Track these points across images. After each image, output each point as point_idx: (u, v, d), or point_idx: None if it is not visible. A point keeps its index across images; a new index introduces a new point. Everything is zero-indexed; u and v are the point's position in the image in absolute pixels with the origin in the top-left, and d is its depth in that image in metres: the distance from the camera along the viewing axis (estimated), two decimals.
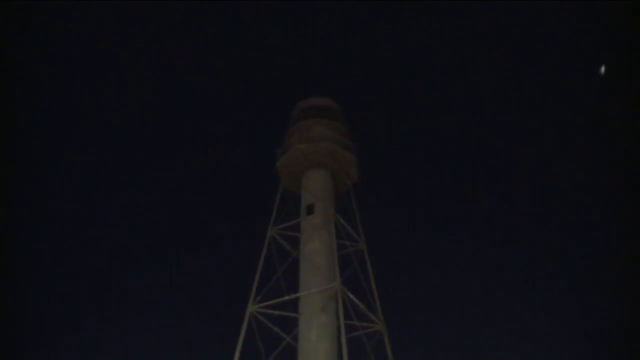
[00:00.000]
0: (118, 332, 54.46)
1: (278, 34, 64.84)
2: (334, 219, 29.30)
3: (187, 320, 54.58)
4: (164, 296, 55.53)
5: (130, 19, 57.84)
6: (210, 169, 62.41)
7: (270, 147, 32.71)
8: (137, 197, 62.20)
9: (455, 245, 54.48)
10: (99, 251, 57.29)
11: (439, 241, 54.07)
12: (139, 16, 58.82)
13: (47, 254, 50.56)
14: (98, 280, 55.64)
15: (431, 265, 51.07)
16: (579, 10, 47.01)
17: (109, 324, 54.16)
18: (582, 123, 50.39)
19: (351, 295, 26.68)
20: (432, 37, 62.64)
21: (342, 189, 32.19)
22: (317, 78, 62.29)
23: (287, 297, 27.06)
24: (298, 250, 29.24)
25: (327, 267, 27.57)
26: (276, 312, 27.12)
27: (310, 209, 29.71)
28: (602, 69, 25.55)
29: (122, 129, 62.51)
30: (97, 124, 60.21)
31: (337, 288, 26.08)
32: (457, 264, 52.09)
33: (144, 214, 60.34)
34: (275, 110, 59.38)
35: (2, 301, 30.44)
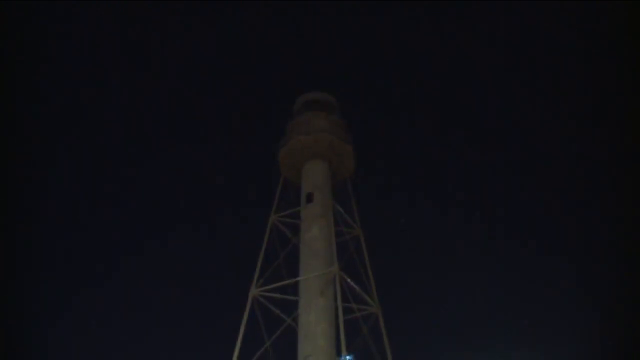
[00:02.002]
0: (122, 315, 55.78)
1: (279, 32, 65.65)
2: (332, 207, 30.51)
3: (193, 303, 55.70)
4: (172, 281, 56.65)
5: (131, 14, 58.27)
6: (213, 159, 63.34)
7: (272, 139, 33.84)
8: (146, 185, 63.21)
9: (450, 231, 55.26)
10: (102, 234, 58.38)
11: (434, 227, 54.90)
12: (141, 13, 59.29)
13: (47, 233, 51.51)
14: (100, 263, 56.69)
15: (425, 250, 51.95)
16: (579, 10, 47.60)
17: (112, 308, 55.32)
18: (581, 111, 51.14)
19: (348, 279, 27.82)
20: (428, 30, 63.27)
21: (339, 178, 33.15)
22: (316, 72, 63.08)
23: (287, 281, 28.23)
24: (298, 237, 30.28)
25: (325, 253, 28.61)
26: (277, 296, 28.22)
27: (309, 198, 30.78)
28: None
29: (127, 122, 63.29)
30: (100, 112, 60.96)
31: (335, 272, 27.21)
32: (450, 249, 52.92)
33: (150, 202, 61.34)
34: (277, 104, 60.24)
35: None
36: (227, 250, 56.49)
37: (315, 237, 29.27)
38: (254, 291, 28.20)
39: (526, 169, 56.32)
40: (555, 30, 52.57)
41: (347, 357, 24.38)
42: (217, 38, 63.58)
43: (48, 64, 53.57)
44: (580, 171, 51.98)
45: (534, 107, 56.31)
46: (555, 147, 53.95)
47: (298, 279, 28.27)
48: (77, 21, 55.61)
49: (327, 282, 27.64)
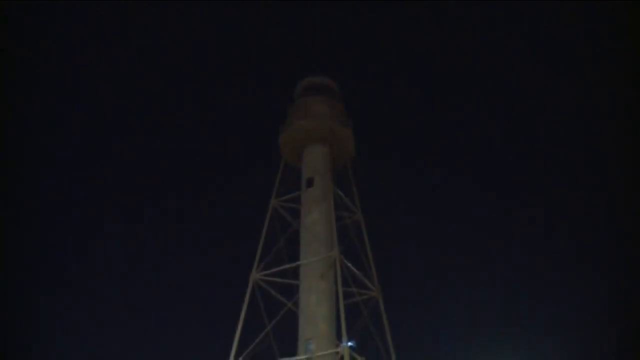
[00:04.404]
0: (121, 302, 56.22)
1: (279, 17, 65.49)
2: (333, 191, 30.48)
3: (194, 288, 56.18)
4: (173, 265, 57.03)
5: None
6: (213, 143, 63.46)
7: (273, 123, 33.77)
8: (145, 171, 63.41)
9: (450, 216, 55.44)
10: (101, 223, 58.69)
11: (433, 212, 55.13)
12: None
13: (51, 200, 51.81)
14: (101, 252, 57.09)
15: (425, 235, 52.15)
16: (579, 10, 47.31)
17: (110, 296, 55.79)
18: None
19: (348, 264, 27.88)
20: (428, 29, 63.22)
21: (340, 163, 33.14)
22: (316, 57, 63.02)
23: (288, 266, 28.32)
24: (299, 221, 30.27)
25: (326, 237, 28.72)
26: (278, 280, 28.38)
27: (310, 182, 30.82)
28: None
29: (129, 116, 63.46)
30: (101, 101, 60.99)
31: (335, 257, 27.26)
32: (450, 234, 53.14)
33: (149, 188, 61.55)
34: (278, 88, 60.12)
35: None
36: (228, 235, 56.77)
37: (316, 221, 29.35)
38: (254, 275, 28.30)
39: (529, 157, 56.45)
40: (555, 30, 52.43)
41: (349, 343, 24.45)
42: (217, 29, 63.56)
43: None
44: (580, 164, 52.10)
45: (540, 92, 56.22)
46: (558, 139, 54.03)
47: (299, 263, 28.37)
48: (77, 21, 55.59)
49: (327, 266, 27.79)
